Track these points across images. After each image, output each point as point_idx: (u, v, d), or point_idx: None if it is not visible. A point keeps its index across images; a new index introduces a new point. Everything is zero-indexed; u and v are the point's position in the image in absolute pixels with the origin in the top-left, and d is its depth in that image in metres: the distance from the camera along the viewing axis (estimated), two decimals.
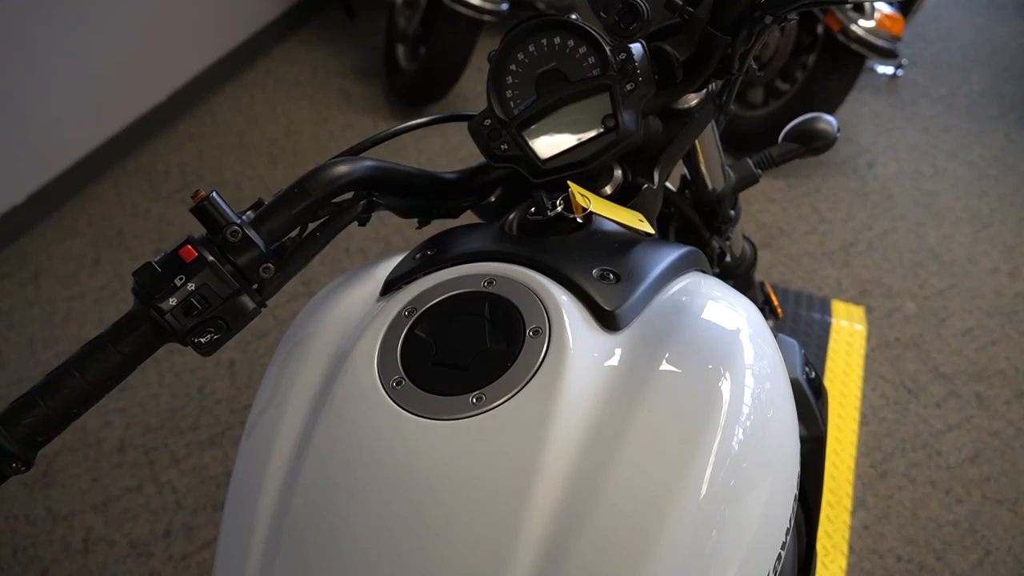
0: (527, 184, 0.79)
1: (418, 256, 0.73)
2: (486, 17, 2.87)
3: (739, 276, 1.28)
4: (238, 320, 0.61)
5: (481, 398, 0.56)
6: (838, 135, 1.12)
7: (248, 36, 3.58)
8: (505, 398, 0.56)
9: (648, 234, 0.77)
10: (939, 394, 2.17)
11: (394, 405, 0.58)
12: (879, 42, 2.53)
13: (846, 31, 2.52)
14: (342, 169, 0.69)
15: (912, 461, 2.01)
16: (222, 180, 2.98)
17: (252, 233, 0.61)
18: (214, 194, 0.61)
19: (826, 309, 2.39)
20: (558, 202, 0.74)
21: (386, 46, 3.39)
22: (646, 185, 0.83)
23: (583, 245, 0.71)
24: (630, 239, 0.74)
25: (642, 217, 0.80)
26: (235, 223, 0.60)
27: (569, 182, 0.75)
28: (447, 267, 0.70)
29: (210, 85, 3.41)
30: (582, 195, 0.75)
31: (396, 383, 0.59)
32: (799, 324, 2.31)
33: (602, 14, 0.74)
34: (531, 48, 0.78)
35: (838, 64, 2.64)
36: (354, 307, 0.72)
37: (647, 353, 0.60)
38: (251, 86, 3.52)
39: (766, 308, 1.39)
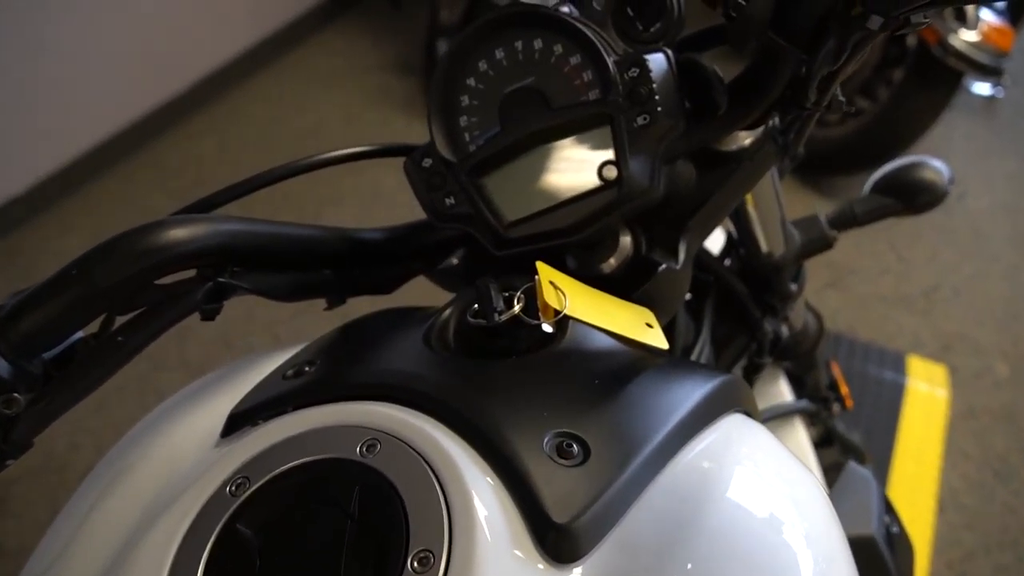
0: (489, 254, 0.53)
1: (290, 373, 0.47)
2: None
3: (799, 356, 0.99)
4: None
5: None
6: (949, 188, 0.82)
7: (285, 23, 3.38)
8: None
9: (659, 351, 0.49)
10: None
11: None
12: (982, 58, 2.17)
13: (944, 44, 2.16)
14: (172, 235, 0.44)
15: (999, 564, 1.68)
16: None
17: None
18: None
19: (900, 367, 2.05)
20: (517, 296, 0.47)
21: (427, 40, 3.16)
22: (664, 266, 0.55)
23: (544, 378, 0.44)
24: (625, 365, 0.47)
25: (652, 318, 0.52)
26: None
27: (538, 263, 0.48)
28: (317, 404, 0.43)
29: (239, 74, 3.21)
30: (553, 288, 0.48)
31: None
32: (867, 384, 1.98)
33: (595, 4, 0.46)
34: (498, 54, 0.51)
35: (930, 81, 2.28)
36: (188, 444, 0.48)
37: None
38: (283, 76, 3.31)
39: (831, 397, 1.10)
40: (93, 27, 2.56)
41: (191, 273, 0.47)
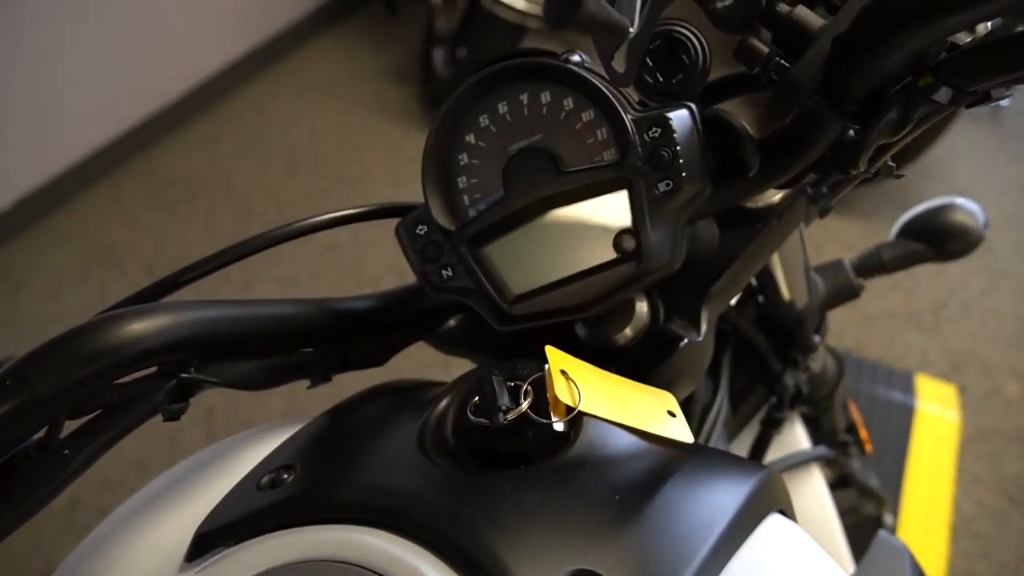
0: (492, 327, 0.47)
1: (265, 481, 0.41)
2: (530, 23, 2.55)
3: (818, 401, 0.94)
4: None
5: None
6: (985, 233, 0.77)
7: (279, 30, 3.32)
8: None
9: (683, 445, 0.44)
10: None
11: None
12: None
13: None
14: (128, 331, 0.39)
15: None
16: (230, 191, 2.71)
17: None
18: None
19: (909, 387, 1.99)
20: (524, 389, 0.41)
21: (423, 49, 3.10)
22: (685, 340, 0.50)
23: (558, 499, 0.38)
24: (649, 471, 0.41)
25: (673, 404, 0.47)
26: None
27: (549, 351, 0.43)
28: (296, 526, 0.37)
29: (232, 82, 3.15)
30: (565, 378, 0.43)
31: None
32: (876, 407, 1.92)
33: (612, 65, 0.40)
34: (501, 108, 0.45)
35: None
36: (149, 564, 0.41)
37: None
38: (277, 85, 3.25)
39: (850, 441, 1.05)
40: (81, 36, 2.50)
41: (151, 368, 0.41)
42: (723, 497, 0.39)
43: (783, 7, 0.38)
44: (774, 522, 0.41)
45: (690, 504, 0.38)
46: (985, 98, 0.35)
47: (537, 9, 2.51)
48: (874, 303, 2.25)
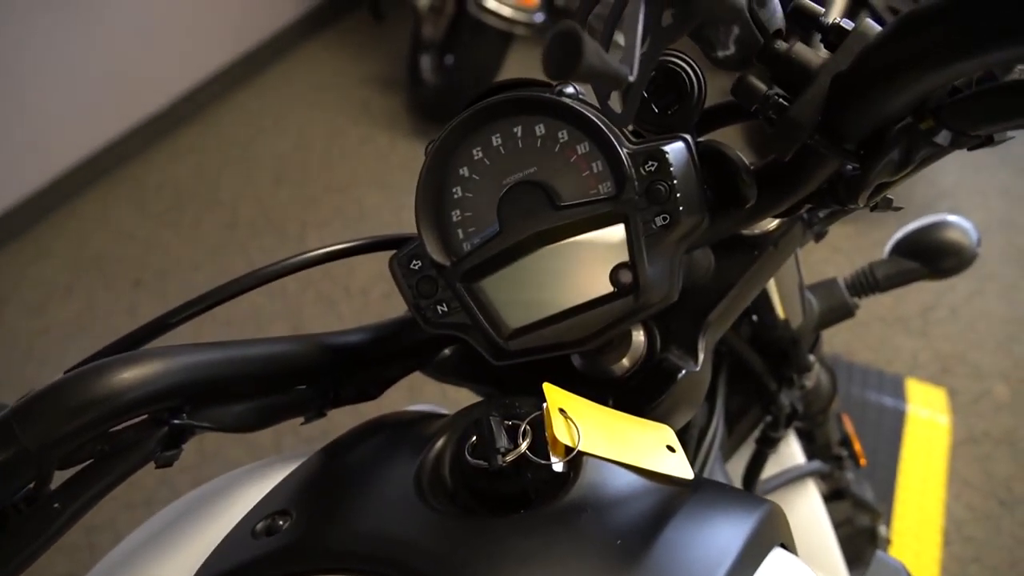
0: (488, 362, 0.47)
1: (260, 528, 0.40)
2: (517, 30, 2.55)
3: (812, 416, 0.94)
4: None
5: None
6: (978, 251, 0.77)
7: (266, 37, 3.30)
8: None
9: (683, 482, 0.43)
10: None
11: None
12: None
13: None
14: (118, 380, 0.38)
15: None
16: (217, 200, 2.69)
17: None
18: None
19: (899, 391, 2.00)
20: (522, 429, 0.41)
21: (410, 55, 3.09)
22: (684, 372, 0.49)
23: (560, 546, 0.37)
24: (651, 511, 0.41)
25: (672, 438, 0.47)
26: None
27: (547, 389, 0.43)
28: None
29: (219, 90, 3.13)
30: (564, 417, 0.42)
31: None
32: (867, 412, 1.93)
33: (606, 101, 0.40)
34: (495, 140, 0.45)
35: None
36: None
37: None
38: (264, 92, 3.23)
39: (844, 455, 1.05)
40: (66, 45, 2.48)
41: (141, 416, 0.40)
42: (726, 536, 0.39)
43: (781, 45, 0.38)
44: (777, 557, 0.41)
45: (693, 545, 0.38)
46: (988, 141, 0.35)
47: (524, 16, 2.50)
48: (863, 307, 2.25)
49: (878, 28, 0.36)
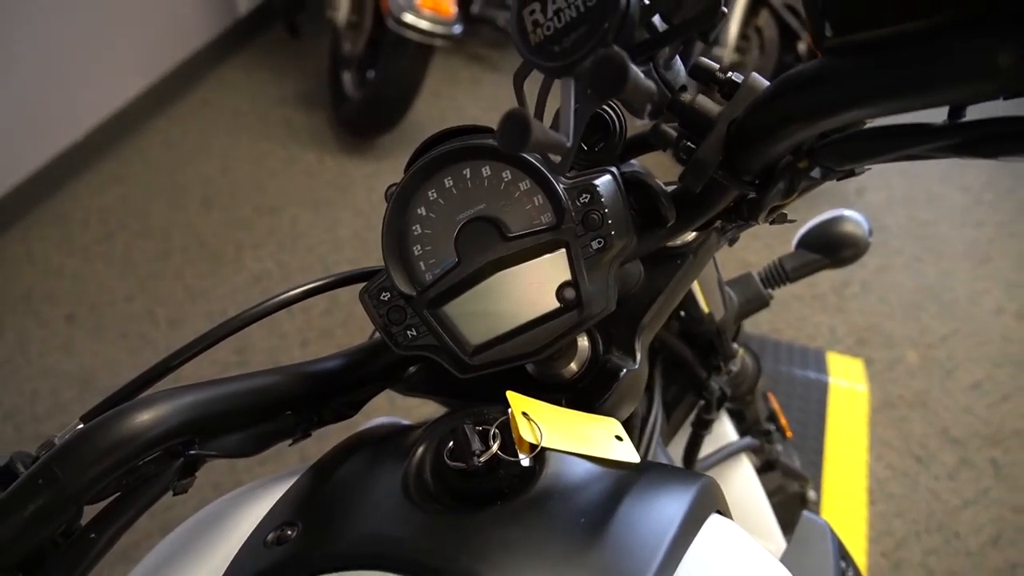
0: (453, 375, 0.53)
1: (271, 539, 0.46)
2: (437, 42, 2.60)
3: (740, 397, 1.03)
4: None
5: None
6: (870, 240, 0.87)
7: (179, 62, 3.27)
8: None
9: (631, 465, 0.51)
10: (951, 462, 1.94)
11: None
12: None
13: None
14: (139, 421, 0.43)
15: (928, 547, 1.77)
16: (148, 228, 2.67)
17: None
18: None
19: (822, 365, 2.14)
20: (492, 432, 0.48)
21: (331, 72, 3.12)
22: (625, 371, 0.57)
23: (532, 530, 0.44)
24: (606, 491, 0.48)
25: (619, 429, 0.54)
26: None
27: (510, 396, 0.49)
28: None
29: (137, 119, 3.09)
30: (527, 419, 0.49)
31: None
32: (794, 387, 2.06)
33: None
34: (447, 182, 0.51)
35: None
36: None
37: None
38: (184, 118, 3.20)
39: (772, 429, 1.15)
40: None
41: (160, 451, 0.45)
42: (670, 508, 0.46)
43: (686, 97, 0.45)
44: (714, 522, 0.49)
45: (644, 518, 0.45)
46: (851, 173, 0.43)
47: (442, 28, 2.55)
48: (784, 289, 2.40)
49: (764, 83, 0.44)
